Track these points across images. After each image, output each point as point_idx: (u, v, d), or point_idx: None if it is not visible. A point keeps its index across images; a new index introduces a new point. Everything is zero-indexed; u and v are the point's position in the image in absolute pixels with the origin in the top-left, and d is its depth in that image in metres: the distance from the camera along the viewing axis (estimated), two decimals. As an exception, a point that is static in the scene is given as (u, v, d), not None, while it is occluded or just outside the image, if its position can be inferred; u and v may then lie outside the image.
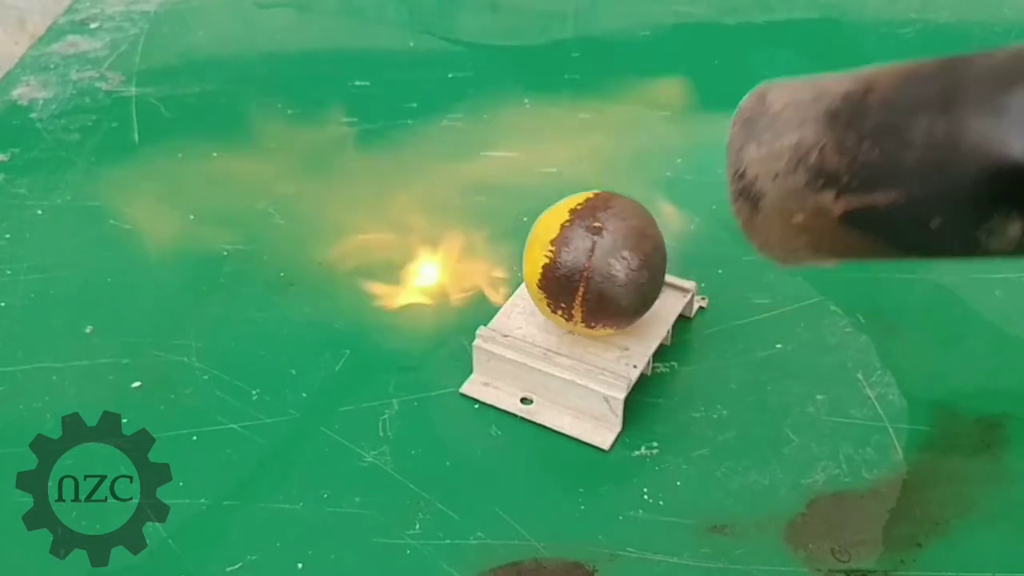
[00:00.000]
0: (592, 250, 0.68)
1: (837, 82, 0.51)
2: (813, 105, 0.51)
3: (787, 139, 0.52)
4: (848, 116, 0.49)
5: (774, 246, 0.56)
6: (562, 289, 0.69)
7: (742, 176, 0.54)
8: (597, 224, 0.69)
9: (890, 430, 0.71)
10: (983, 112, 0.43)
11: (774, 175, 0.52)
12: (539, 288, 0.71)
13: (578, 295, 0.69)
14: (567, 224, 0.70)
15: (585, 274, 0.68)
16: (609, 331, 0.71)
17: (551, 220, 0.71)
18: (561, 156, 0.98)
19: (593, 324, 0.70)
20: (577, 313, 0.70)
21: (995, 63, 0.45)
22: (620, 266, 0.68)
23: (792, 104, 0.53)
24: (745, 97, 0.56)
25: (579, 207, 0.71)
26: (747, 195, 0.54)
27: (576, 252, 0.69)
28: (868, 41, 1.21)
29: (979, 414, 0.72)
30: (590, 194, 0.72)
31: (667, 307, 0.76)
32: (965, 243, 0.46)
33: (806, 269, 0.58)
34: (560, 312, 0.70)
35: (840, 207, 0.49)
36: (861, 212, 0.49)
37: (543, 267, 0.70)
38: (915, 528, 0.65)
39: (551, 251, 0.69)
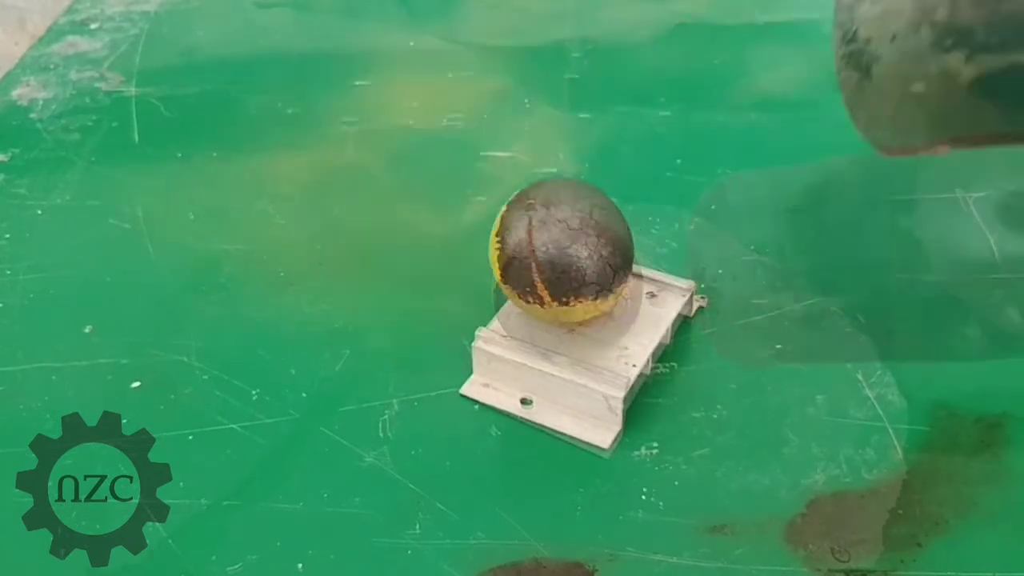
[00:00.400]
0: (529, 225, 0.69)
1: None
2: None
3: None
4: None
5: (884, 123, 0.49)
6: (519, 273, 0.70)
7: (852, 39, 0.47)
8: (530, 201, 0.70)
9: (890, 430, 0.71)
10: None
11: (892, 36, 0.45)
12: (504, 283, 0.72)
13: (533, 272, 0.69)
14: (505, 213, 0.72)
15: (530, 249, 0.69)
16: (587, 306, 0.70)
17: (496, 220, 0.73)
18: (561, 156, 0.98)
19: (566, 300, 0.70)
20: (543, 292, 0.70)
21: None
22: (558, 229, 0.69)
23: None
24: None
25: (514, 198, 0.73)
26: (857, 61, 0.47)
27: (516, 232, 0.70)
28: (868, 41, 1.21)
29: (979, 414, 0.72)
30: (527, 186, 0.73)
31: (667, 307, 0.76)
32: None
33: (916, 157, 0.51)
34: (531, 299, 0.71)
35: (972, 71, 0.42)
36: (999, 76, 0.42)
37: (497, 259, 0.71)
38: (915, 528, 0.65)
39: (498, 243, 0.71)
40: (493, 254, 0.72)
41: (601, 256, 0.70)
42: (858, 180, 0.94)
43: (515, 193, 0.73)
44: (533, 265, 0.69)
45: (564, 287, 0.69)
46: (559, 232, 0.69)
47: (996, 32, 0.42)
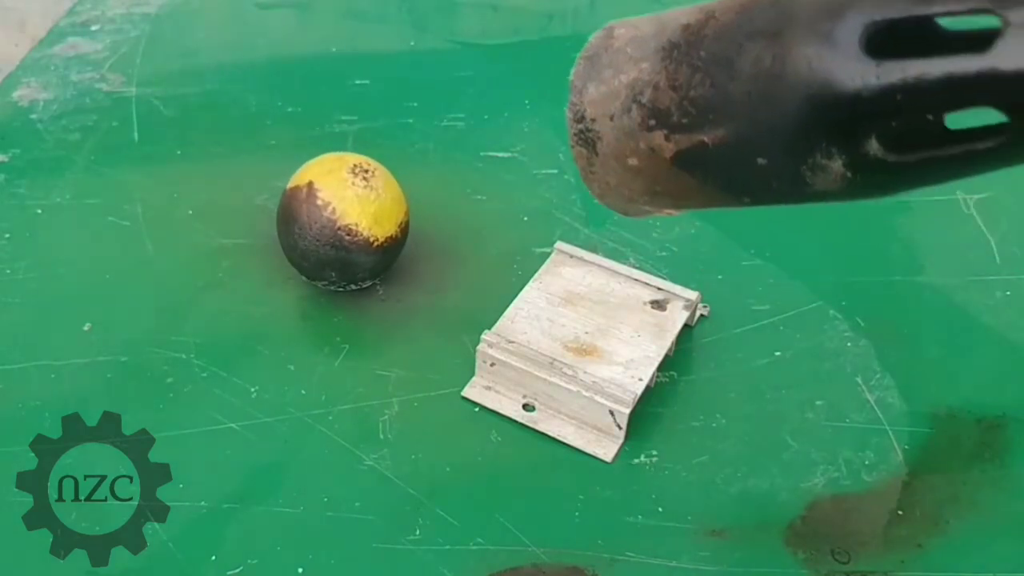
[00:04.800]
0: None
1: (680, 15, 0.49)
2: (654, 39, 0.49)
3: (624, 76, 0.50)
4: (684, 49, 0.47)
5: (612, 192, 0.54)
6: None
7: (581, 118, 0.52)
8: None
9: (890, 433, 0.71)
10: (810, 39, 0.42)
11: (610, 115, 0.51)
12: None
13: None
14: None
15: None
16: None
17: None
18: (561, 156, 0.98)
19: None
20: None
21: None
22: None
23: (635, 39, 0.51)
24: (594, 33, 0.54)
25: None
26: (585, 138, 0.53)
27: None
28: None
29: (979, 415, 0.72)
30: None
31: (672, 319, 0.76)
32: (792, 182, 0.45)
33: (650, 218, 0.57)
34: None
35: (671, 147, 0.48)
36: (690, 152, 0.48)
37: None
38: (915, 529, 0.65)
39: None
40: None
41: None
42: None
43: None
44: None
45: None
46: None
47: (685, 114, 0.47)
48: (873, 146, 0.42)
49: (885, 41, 0.41)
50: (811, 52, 0.42)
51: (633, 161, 0.51)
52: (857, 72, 0.41)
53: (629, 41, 0.51)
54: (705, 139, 0.47)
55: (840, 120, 0.42)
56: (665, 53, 0.48)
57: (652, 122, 0.48)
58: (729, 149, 0.46)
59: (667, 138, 0.48)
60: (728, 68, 0.45)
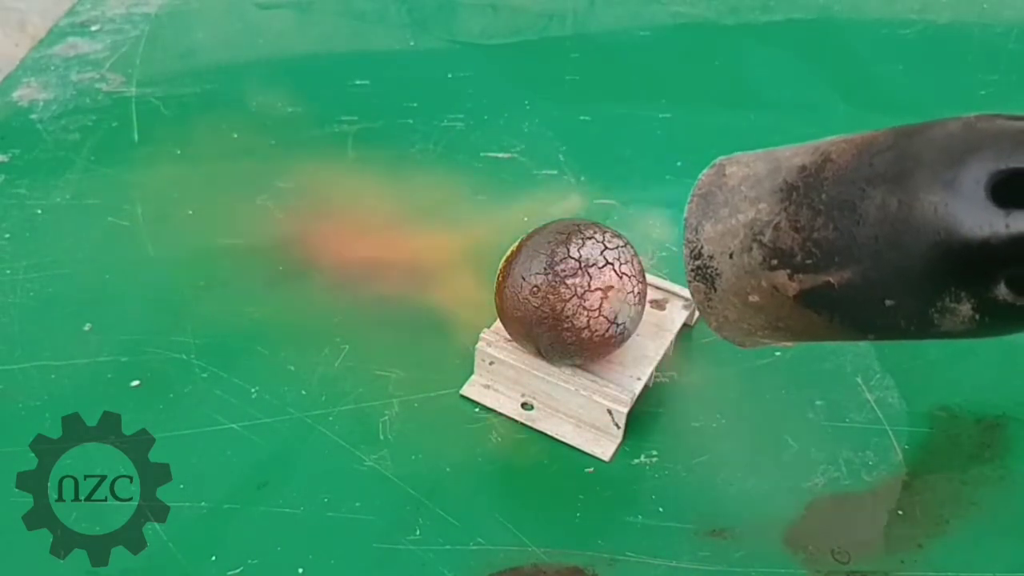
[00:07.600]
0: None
1: (793, 155, 0.50)
2: (769, 179, 0.51)
3: (743, 216, 0.51)
4: (804, 191, 0.48)
5: (731, 326, 0.55)
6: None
7: (698, 255, 0.54)
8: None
9: (890, 432, 0.71)
10: (934, 186, 0.43)
11: (729, 253, 0.52)
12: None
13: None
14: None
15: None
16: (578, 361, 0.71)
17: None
18: (561, 157, 0.98)
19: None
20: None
21: (947, 134, 0.44)
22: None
23: (749, 178, 0.52)
24: (704, 170, 0.56)
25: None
26: (703, 274, 0.54)
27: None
28: (868, 42, 1.22)
29: (979, 415, 0.72)
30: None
31: (671, 318, 0.76)
32: (920, 323, 0.46)
33: (765, 348, 0.59)
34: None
35: (795, 287, 0.49)
36: (815, 291, 0.48)
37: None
38: (915, 529, 0.65)
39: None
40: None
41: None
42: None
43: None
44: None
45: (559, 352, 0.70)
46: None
47: (810, 255, 0.48)
48: (1002, 291, 0.43)
49: (1009, 187, 0.42)
50: (936, 199, 0.43)
51: (754, 298, 0.52)
52: (985, 221, 0.41)
53: (742, 180, 0.52)
54: (831, 279, 0.47)
55: (969, 266, 0.42)
56: (783, 195, 0.49)
57: (774, 261, 0.50)
58: (856, 290, 0.47)
59: (791, 277, 0.49)
60: (852, 212, 0.46)
